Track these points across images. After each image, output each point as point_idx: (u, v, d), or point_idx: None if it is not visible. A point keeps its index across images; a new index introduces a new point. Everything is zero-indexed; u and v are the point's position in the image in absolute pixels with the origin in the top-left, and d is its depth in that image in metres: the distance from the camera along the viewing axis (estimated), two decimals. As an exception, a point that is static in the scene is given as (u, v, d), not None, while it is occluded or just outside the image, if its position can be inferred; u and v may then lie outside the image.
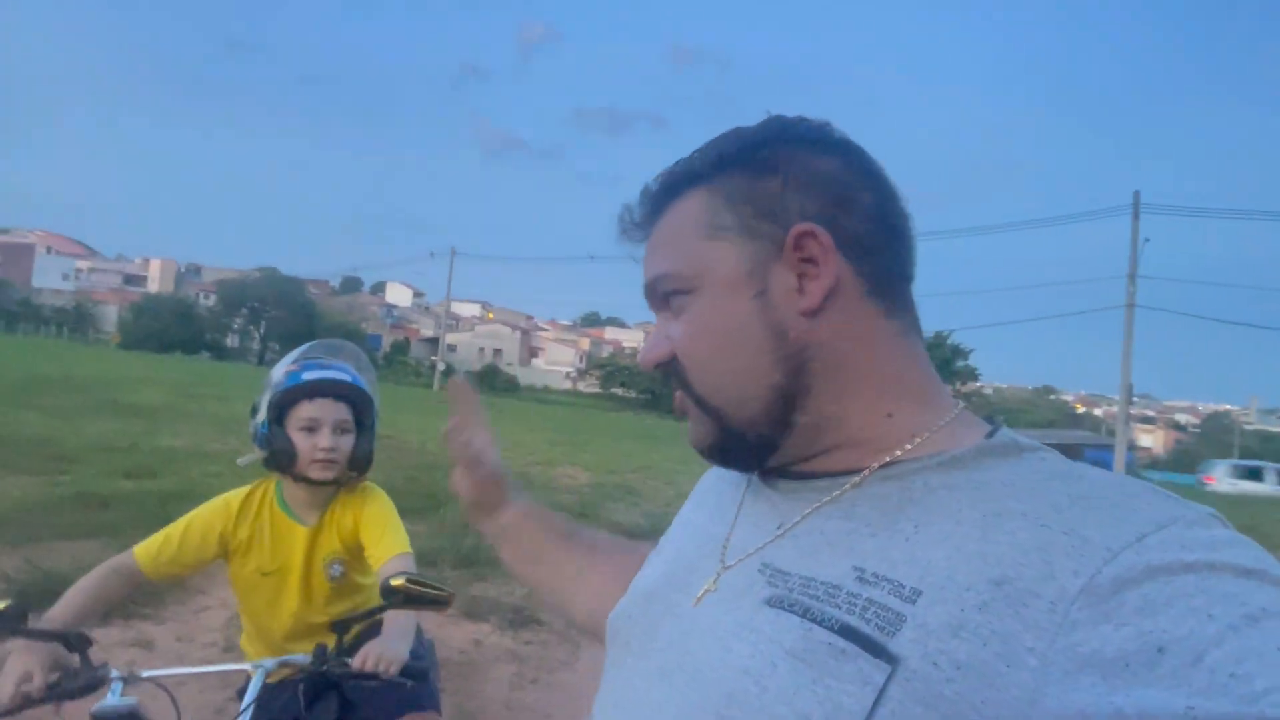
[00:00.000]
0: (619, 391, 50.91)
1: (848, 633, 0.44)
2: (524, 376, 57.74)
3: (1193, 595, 0.37)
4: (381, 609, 1.15)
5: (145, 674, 1.18)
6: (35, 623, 1.15)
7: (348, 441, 1.48)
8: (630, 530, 6.38)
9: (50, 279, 63.40)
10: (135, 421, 10.32)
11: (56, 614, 1.30)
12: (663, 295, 0.58)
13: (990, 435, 0.52)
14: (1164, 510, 0.42)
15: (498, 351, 65.07)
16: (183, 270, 79.68)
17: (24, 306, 50.83)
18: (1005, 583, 0.41)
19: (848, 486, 0.52)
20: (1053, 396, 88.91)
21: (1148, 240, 22.00)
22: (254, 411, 1.49)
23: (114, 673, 1.16)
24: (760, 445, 0.55)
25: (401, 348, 61.23)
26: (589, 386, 59.46)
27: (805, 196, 0.53)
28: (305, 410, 1.44)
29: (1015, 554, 0.42)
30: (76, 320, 52.78)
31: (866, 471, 0.52)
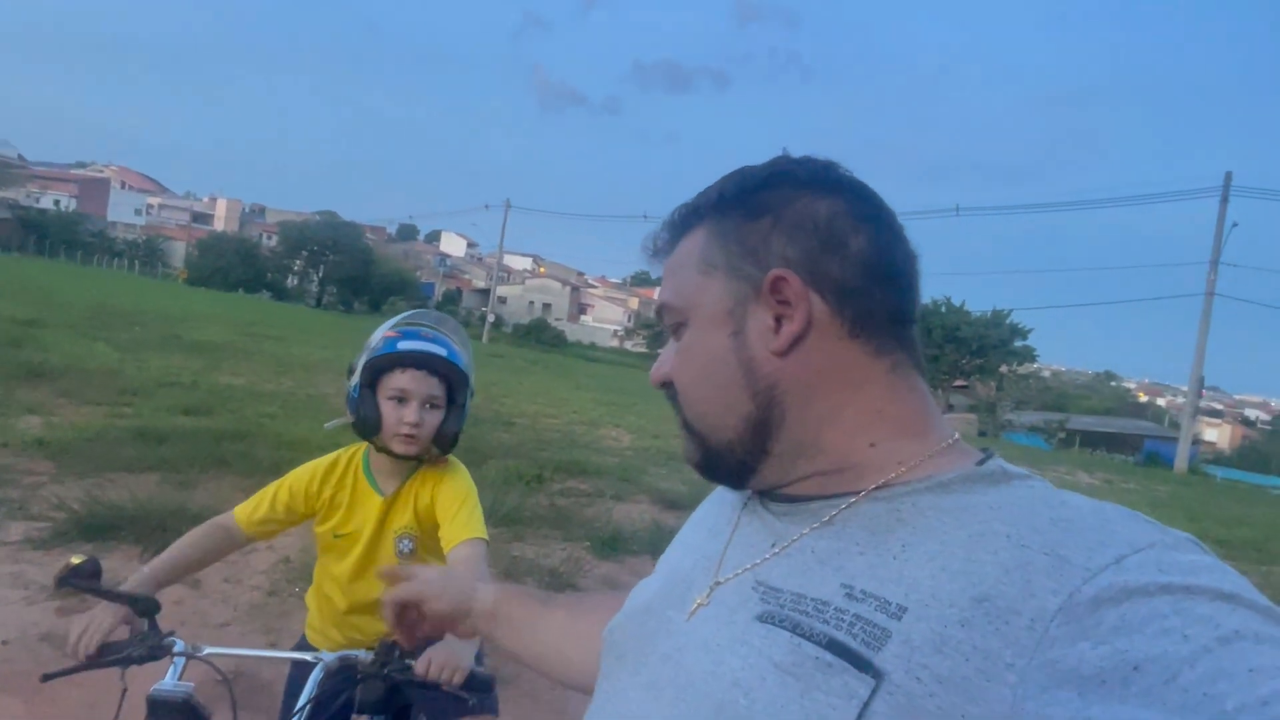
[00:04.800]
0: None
1: (834, 647, 0.45)
2: (572, 333, 58.04)
3: (1168, 616, 0.38)
4: None
5: (206, 650, 1.16)
6: (117, 577, 1.13)
7: (435, 418, 1.44)
8: (672, 498, 6.35)
9: (123, 213, 65.82)
10: (197, 358, 10.67)
11: (159, 565, 1.32)
12: (666, 322, 0.62)
13: (981, 463, 0.53)
14: (1143, 534, 0.43)
15: (547, 306, 65.47)
16: (247, 210, 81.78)
17: (99, 239, 52.92)
18: (986, 600, 0.42)
19: (841, 508, 0.53)
20: (1114, 383, 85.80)
21: (1236, 225, 20.75)
22: (349, 372, 1.46)
23: (178, 645, 1.15)
24: (739, 467, 0.59)
25: (453, 297, 62.14)
26: (636, 346, 59.53)
27: (790, 240, 0.55)
28: (397, 380, 1.41)
29: (997, 573, 0.43)
30: (147, 254, 54.78)
31: (858, 495, 0.53)
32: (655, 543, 5.12)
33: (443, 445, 1.48)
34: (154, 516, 3.96)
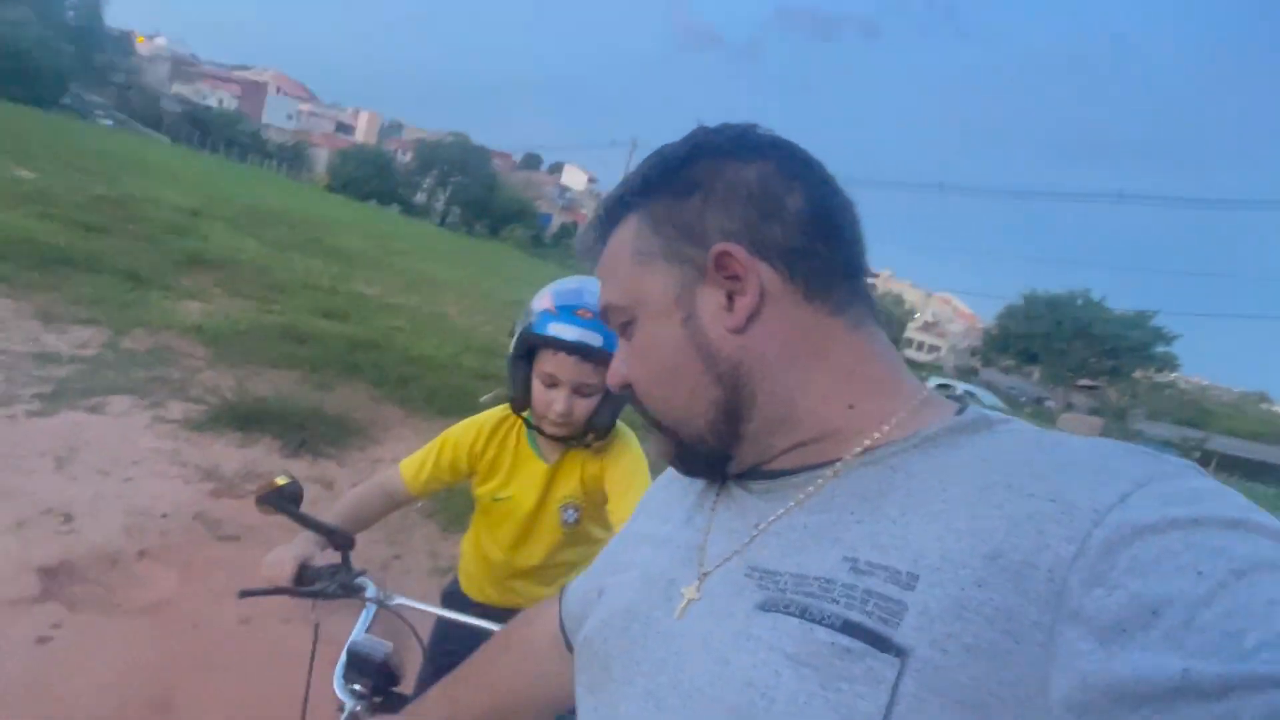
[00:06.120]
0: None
1: (850, 628, 0.42)
2: (680, 279, 57.67)
3: (1180, 553, 0.36)
4: None
5: (397, 601, 1.14)
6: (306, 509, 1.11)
7: (587, 406, 1.32)
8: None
9: (277, 117, 69.87)
10: (335, 264, 11.24)
11: (332, 516, 1.31)
12: (613, 323, 0.59)
13: (959, 413, 0.51)
14: (1143, 466, 0.41)
15: (659, 250, 65.17)
16: (386, 125, 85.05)
17: (253, 140, 56.49)
18: (1000, 556, 0.40)
19: (827, 477, 0.50)
20: (1264, 405, 77.97)
21: None
22: (512, 333, 1.38)
23: (370, 590, 1.13)
24: (716, 456, 0.56)
25: (569, 230, 62.91)
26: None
27: (725, 213, 0.53)
28: (548, 363, 1.30)
29: (1006, 526, 0.41)
30: (294, 158, 58.18)
31: (841, 461, 0.51)
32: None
33: (597, 432, 1.36)
34: (294, 414, 4.19)
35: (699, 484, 0.61)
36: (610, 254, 0.58)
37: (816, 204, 0.53)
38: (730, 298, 0.53)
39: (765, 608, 0.47)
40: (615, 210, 0.58)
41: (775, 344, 0.52)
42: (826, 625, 0.43)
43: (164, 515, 2.97)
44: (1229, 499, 0.39)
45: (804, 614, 0.44)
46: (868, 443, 0.50)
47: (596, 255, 0.60)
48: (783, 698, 0.43)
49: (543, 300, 1.33)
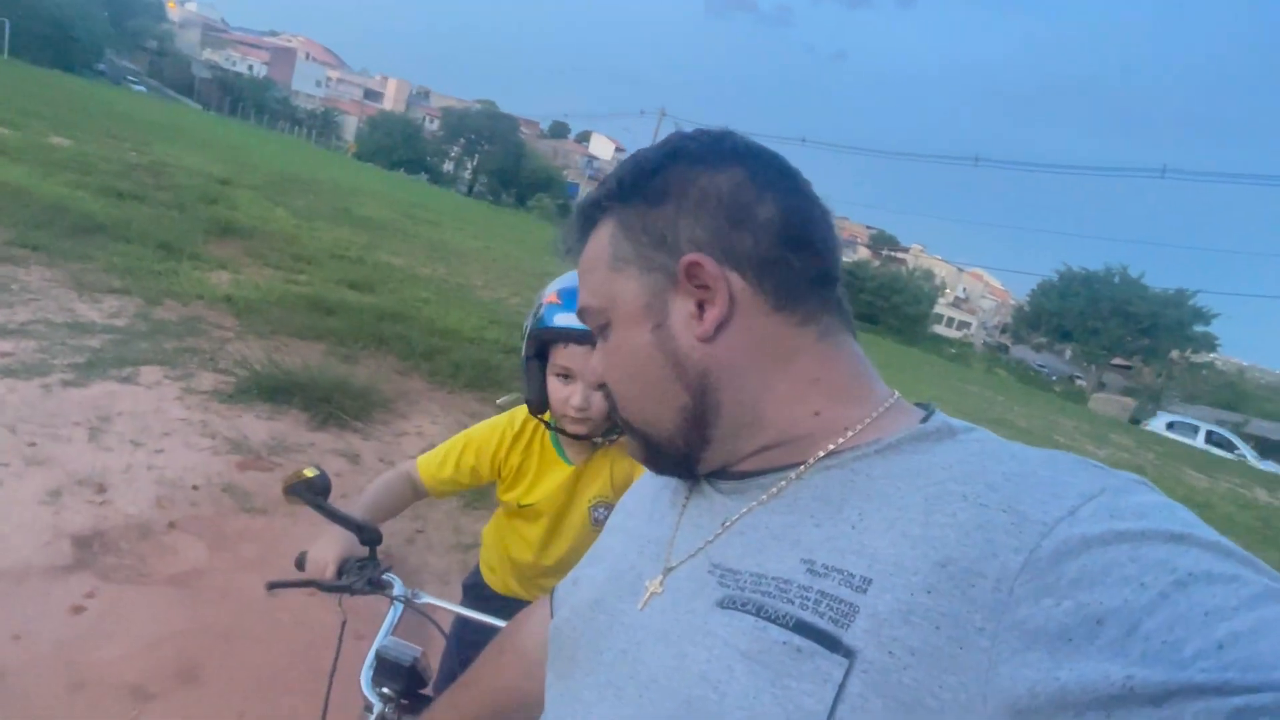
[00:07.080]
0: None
1: (803, 629, 0.43)
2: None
3: (1125, 565, 0.37)
4: None
5: (424, 599, 1.12)
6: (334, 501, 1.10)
7: (603, 398, 1.27)
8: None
9: (306, 84, 69.95)
10: (362, 233, 11.28)
11: (360, 510, 1.30)
12: (590, 325, 0.60)
13: (924, 420, 0.52)
14: (1093, 480, 0.42)
15: (686, 221, 64.68)
16: (414, 92, 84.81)
17: (282, 106, 56.69)
18: (950, 564, 0.41)
19: (790, 479, 0.52)
20: (1306, 388, 75.69)
21: None
22: (523, 334, 1.34)
23: (397, 587, 1.11)
24: (684, 458, 0.57)
25: (596, 201, 62.57)
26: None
27: (696, 221, 0.53)
28: (561, 356, 1.26)
29: (957, 535, 0.42)
30: (323, 125, 58.36)
31: (805, 465, 0.52)
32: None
33: (619, 426, 1.33)
34: (321, 387, 4.21)
35: (674, 481, 0.62)
36: (588, 257, 0.59)
37: (788, 214, 0.53)
38: (700, 306, 0.53)
39: (724, 605, 0.48)
40: (592, 213, 0.59)
41: (743, 353, 0.53)
42: (780, 624, 0.44)
43: (194, 487, 3.02)
44: (1174, 513, 0.40)
45: (759, 612, 0.46)
46: (831, 447, 0.51)
47: (577, 255, 0.61)
48: (734, 692, 0.44)
49: (548, 294, 1.30)
